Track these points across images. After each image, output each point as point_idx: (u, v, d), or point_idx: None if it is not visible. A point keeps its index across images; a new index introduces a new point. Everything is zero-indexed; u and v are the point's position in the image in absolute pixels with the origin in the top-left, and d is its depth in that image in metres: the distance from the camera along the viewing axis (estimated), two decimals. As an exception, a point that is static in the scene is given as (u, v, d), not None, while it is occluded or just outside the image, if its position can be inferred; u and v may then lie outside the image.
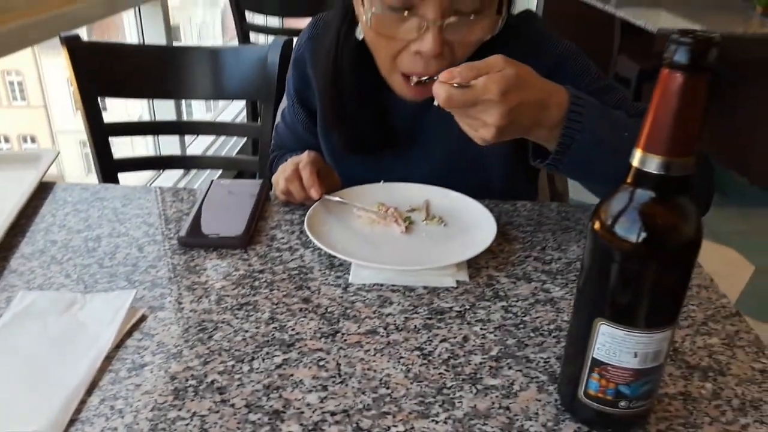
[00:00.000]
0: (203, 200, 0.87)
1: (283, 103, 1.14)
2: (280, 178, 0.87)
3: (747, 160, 2.94)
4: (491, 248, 0.80)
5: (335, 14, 0.89)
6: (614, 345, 0.49)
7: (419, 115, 0.94)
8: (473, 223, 0.83)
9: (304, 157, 0.86)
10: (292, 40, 1.38)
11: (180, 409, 0.54)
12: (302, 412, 0.54)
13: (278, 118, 1.15)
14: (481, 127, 0.66)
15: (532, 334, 0.65)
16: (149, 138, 2.31)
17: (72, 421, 0.53)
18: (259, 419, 0.53)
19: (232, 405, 0.55)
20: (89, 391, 0.56)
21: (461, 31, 0.76)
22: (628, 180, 0.46)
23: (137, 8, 2.36)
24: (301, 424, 0.53)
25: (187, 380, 0.57)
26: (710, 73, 0.42)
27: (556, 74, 0.85)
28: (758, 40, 2.77)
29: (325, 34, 0.93)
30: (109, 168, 1.38)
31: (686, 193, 0.45)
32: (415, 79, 0.79)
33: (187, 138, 2.51)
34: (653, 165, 0.44)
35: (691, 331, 0.66)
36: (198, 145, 2.75)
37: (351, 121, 0.93)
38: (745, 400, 0.57)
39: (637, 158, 0.45)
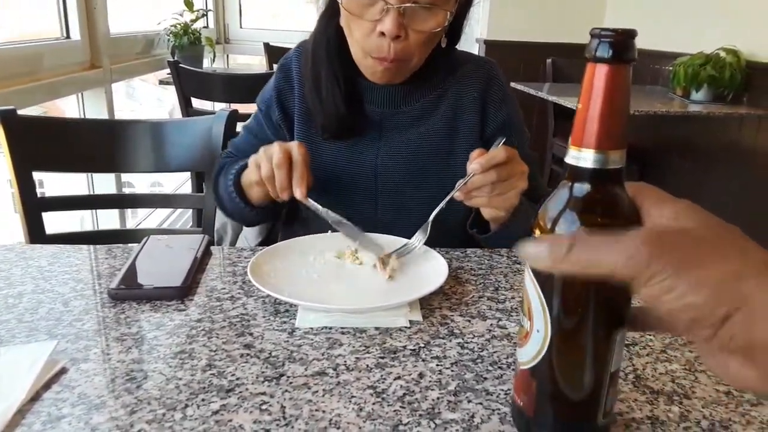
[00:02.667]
0: (138, 253, 0.82)
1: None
2: (262, 160, 0.84)
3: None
4: (444, 290, 0.77)
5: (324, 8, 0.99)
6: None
7: (393, 111, 1.00)
8: (425, 266, 0.81)
9: (296, 147, 0.84)
10: (236, 111, 1.39)
11: (100, 462, 0.47)
12: (242, 457, 0.48)
13: (241, 132, 1.14)
14: (513, 193, 0.84)
15: (490, 368, 0.61)
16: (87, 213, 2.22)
17: (-32, 482, 0.45)
18: (191, 467, 0.47)
19: (161, 454, 0.48)
20: (-8, 448, 0.48)
21: (417, 18, 0.88)
22: (564, 179, 0.46)
23: (80, 95, 2.35)
24: (241, 470, 0.47)
25: (110, 430, 0.51)
26: (632, 64, 0.43)
27: (507, 126, 1.03)
28: (680, 118, 2.98)
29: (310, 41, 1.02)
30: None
31: (623, 187, 0.45)
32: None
33: (140, 212, 2.45)
34: (588, 160, 0.44)
35: (651, 359, 0.64)
36: (152, 219, 2.68)
37: (328, 106, 0.97)
38: (714, 421, 0.54)
39: (571, 156, 0.45)
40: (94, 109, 2.34)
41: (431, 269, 0.79)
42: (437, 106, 1.01)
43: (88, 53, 2.28)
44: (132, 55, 2.71)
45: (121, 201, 1.53)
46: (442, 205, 0.85)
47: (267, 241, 1.17)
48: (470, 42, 3.92)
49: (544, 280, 0.45)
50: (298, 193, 0.83)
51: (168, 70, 2.59)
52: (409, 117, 1.01)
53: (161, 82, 2.89)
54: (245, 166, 0.93)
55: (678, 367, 0.63)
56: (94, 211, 2.16)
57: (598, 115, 0.43)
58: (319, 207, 0.84)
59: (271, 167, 0.83)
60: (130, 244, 0.90)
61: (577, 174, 0.44)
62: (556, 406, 0.49)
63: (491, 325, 0.70)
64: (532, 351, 0.47)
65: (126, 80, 3.20)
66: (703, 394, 0.58)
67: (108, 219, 2.28)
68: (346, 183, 1.00)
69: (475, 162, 0.81)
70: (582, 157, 0.44)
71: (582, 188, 0.44)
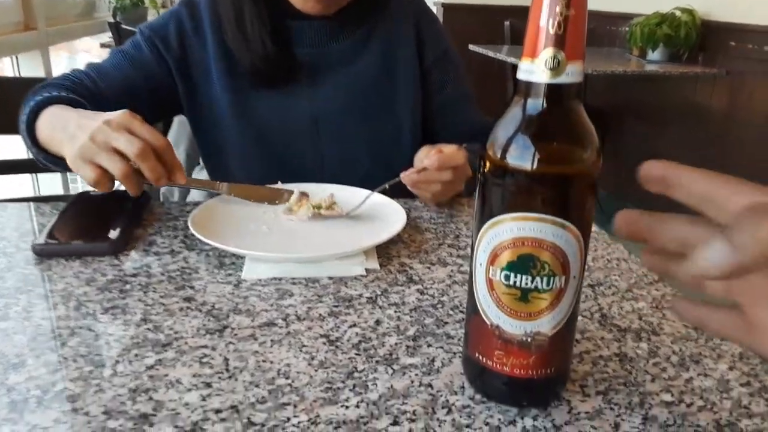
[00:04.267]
0: (68, 208, 0.75)
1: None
2: (105, 156, 0.65)
3: (630, 189, 3.10)
4: (402, 238, 0.73)
5: None
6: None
7: (323, 50, 0.93)
8: (382, 215, 0.76)
9: (145, 128, 0.67)
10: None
11: (16, 423, 0.42)
12: (178, 413, 0.43)
13: (109, 55, 0.96)
14: (454, 193, 0.83)
15: (451, 312, 0.58)
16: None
17: None
18: (120, 426, 0.42)
19: (86, 413, 0.43)
20: None
21: None
22: (516, 98, 0.41)
23: (14, 58, 2.21)
24: (176, 426, 0.42)
25: (28, 390, 0.45)
26: None
27: (445, 59, 1.00)
28: (637, 78, 3.00)
29: None
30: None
31: (581, 103, 0.41)
32: None
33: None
34: (542, 73, 0.39)
35: (617, 298, 0.61)
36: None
37: (254, 45, 0.88)
38: (684, 356, 0.52)
39: (523, 70, 0.40)
40: (31, 73, 2.20)
41: (388, 217, 0.75)
42: (368, 44, 0.95)
43: (21, 14, 2.13)
44: (71, 17, 2.55)
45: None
46: (385, 186, 0.77)
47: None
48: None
49: (578, 213, 0.41)
50: (181, 177, 0.70)
51: (110, 33, 2.45)
52: (340, 56, 0.94)
53: (102, 46, 2.74)
54: (57, 99, 0.75)
55: (645, 306, 0.60)
56: (35, 176, 2.04)
57: (553, 20, 0.38)
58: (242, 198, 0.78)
59: (127, 164, 0.65)
60: (61, 203, 0.82)
61: (530, 91, 0.40)
62: (569, 348, 0.46)
63: (452, 271, 0.66)
64: (565, 306, 0.42)
65: (68, 50, 3.02)
66: (672, 330, 0.56)
67: (51, 187, 2.15)
68: (285, 135, 0.94)
69: (434, 158, 0.75)
70: (535, 69, 0.39)
71: (536, 106, 0.40)
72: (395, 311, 0.57)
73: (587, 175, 0.41)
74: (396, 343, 0.52)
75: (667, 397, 0.46)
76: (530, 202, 0.40)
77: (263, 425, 0.42)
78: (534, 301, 0.41)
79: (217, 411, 0.43)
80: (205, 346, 0.51)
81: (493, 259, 0.42)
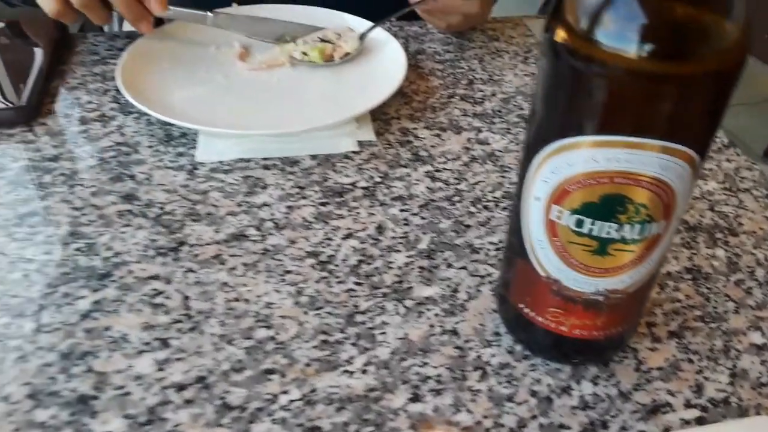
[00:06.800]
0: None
1: None
2: None
3: None
4: (401, 89, 0.57)
5: None
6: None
7: None
8: (372, 56, 0.59)
9: None
10: None
11: None
12: (127, 393, 0.32)
13: None
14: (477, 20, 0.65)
15: (473, 209, 0.45)
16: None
17: None
18: (53, 418, 0.31)
19: (5, 398, 0.32)
20: None
21: None
22: None
23: None
24: (126, 416, 0.31)
25: None
26: None
27: None
28: None
29: None
30: None
31: None
32: None
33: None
34: None
35: (680, 177, 0.49)
36: None
37: None
38: (769, 266, 0.41)
39: None
40: None
41: (383, 60, 0.58)
42: None
43: None
44: None
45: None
46: (391, 18, 0.61)
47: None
48: None
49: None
50: (158, 4, 0.55)
51: None
52: None
53: None
54: None
55: (716, 187, 0.48)
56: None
57: None
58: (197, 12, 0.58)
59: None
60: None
61: None
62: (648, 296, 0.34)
63: (469, 140, 0.52)
64: (657, 256, 0.29)
65: None
66: (753, 226, 0.44)
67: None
68: None
69: None
70: None
71: None
72: (401, 209, 0.44)
73: (730, 69, 0.25)
74: (406, 264, 0.40)
75: (757, 338, 0.37)
76: (630, 118, 0.25)
77: (243, 409, 0.32)
78: (615, 254, 0.29)
79: (180, 387, 0.33)
80: (157, 277, 0.39)
81: (559, 196, 0.28)
